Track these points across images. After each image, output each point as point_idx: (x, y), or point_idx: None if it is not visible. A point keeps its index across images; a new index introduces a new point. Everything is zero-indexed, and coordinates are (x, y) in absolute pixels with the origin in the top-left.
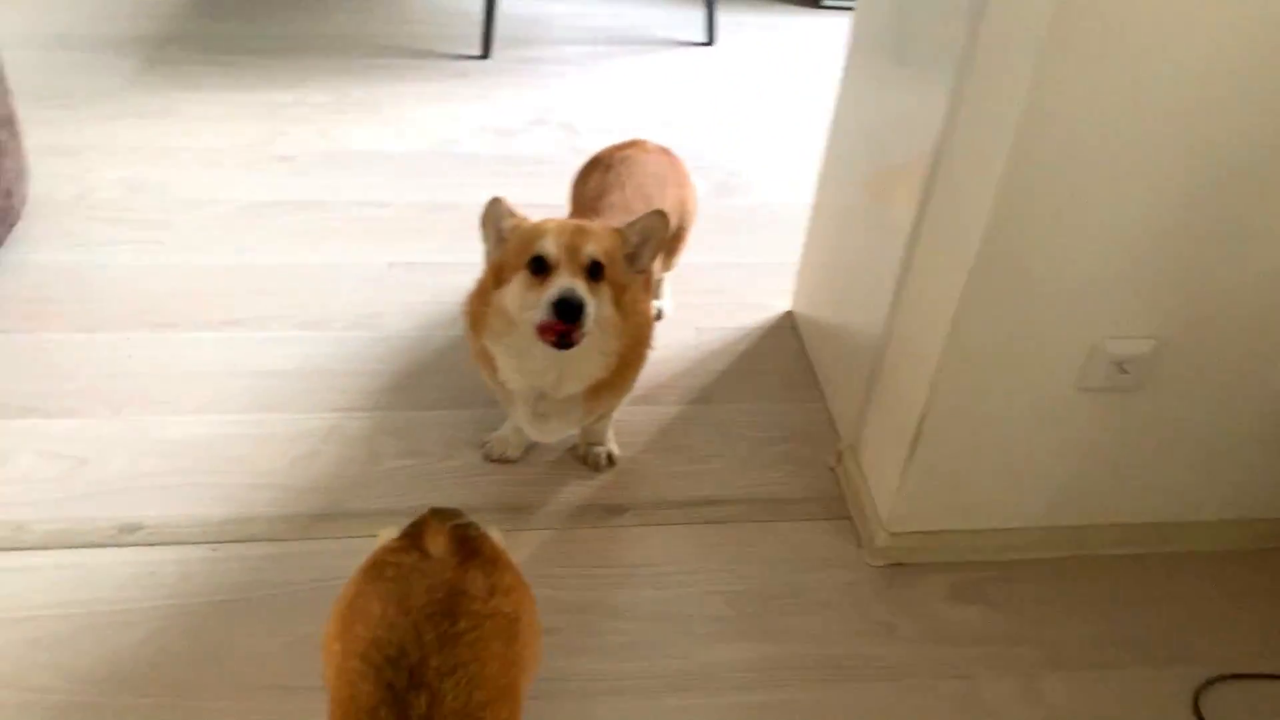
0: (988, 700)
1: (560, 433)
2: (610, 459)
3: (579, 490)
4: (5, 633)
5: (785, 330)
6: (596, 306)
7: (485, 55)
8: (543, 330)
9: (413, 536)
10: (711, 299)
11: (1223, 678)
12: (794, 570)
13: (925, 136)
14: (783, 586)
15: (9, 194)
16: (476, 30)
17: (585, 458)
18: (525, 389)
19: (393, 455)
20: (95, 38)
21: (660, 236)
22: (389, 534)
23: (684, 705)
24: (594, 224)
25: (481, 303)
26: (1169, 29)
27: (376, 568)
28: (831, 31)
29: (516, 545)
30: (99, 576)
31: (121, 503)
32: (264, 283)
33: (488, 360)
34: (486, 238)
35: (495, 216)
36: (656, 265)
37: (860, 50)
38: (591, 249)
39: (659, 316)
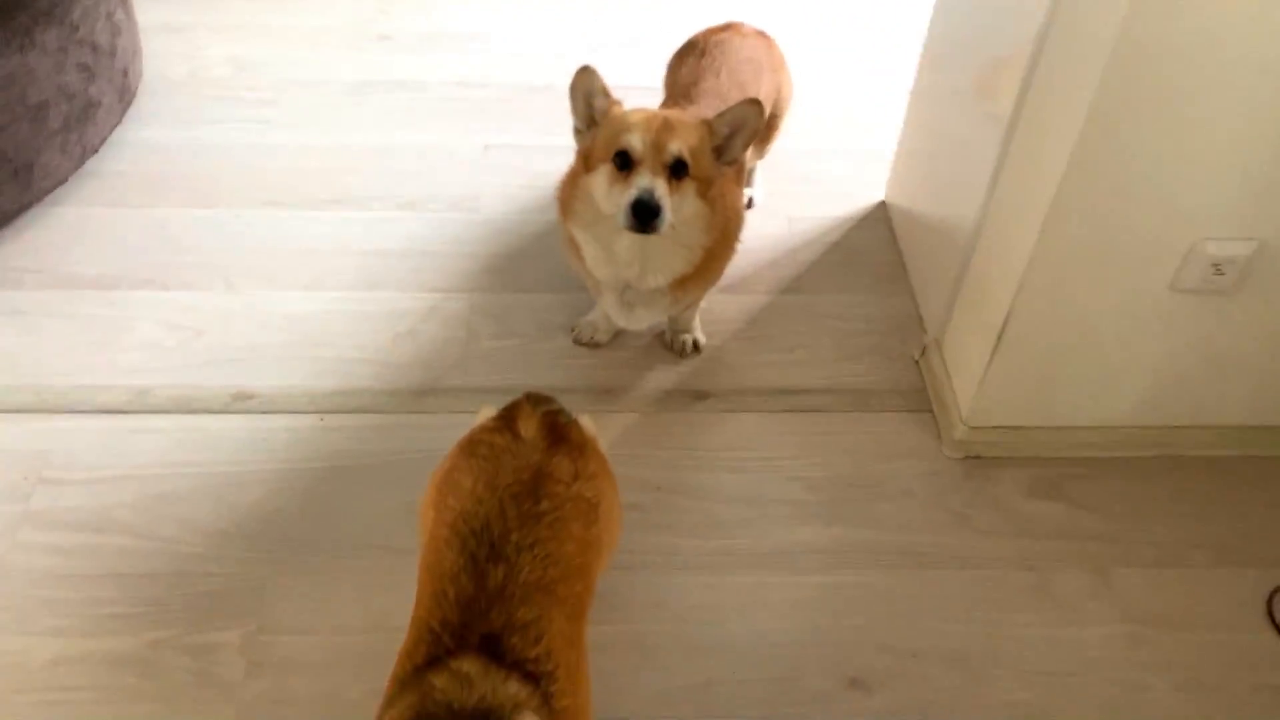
0: (1058, 592)
1: (647, 321)
2: (696, 346)
3: (665, 375)
4: (135, 487)
5: (878, 221)
6: (680, 203)
7: None
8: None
9: (507, 419)
10: (805, 188)
11: None
12: (873, 460)
13: (1028, 24)
14: (861, 475)
15: (125, 72)
16: None
17: (672, 344)
18: (611, 278)
19: (489, 336)
20: None
21: (753, 127)
22: (487, 413)
23: (759, 583)
24: (681, 116)
25: (571, 188)
26: None
27: (471, 445)
28: None
29: (603, 426)
30: (217, 440)
31: (236, 372)
32: (366, 163)
33: (576, 248)
34: (575, 110)
35: (585, 88)
36: (749, 153)
37: None
38: (676, 146)
39: (750, 205)
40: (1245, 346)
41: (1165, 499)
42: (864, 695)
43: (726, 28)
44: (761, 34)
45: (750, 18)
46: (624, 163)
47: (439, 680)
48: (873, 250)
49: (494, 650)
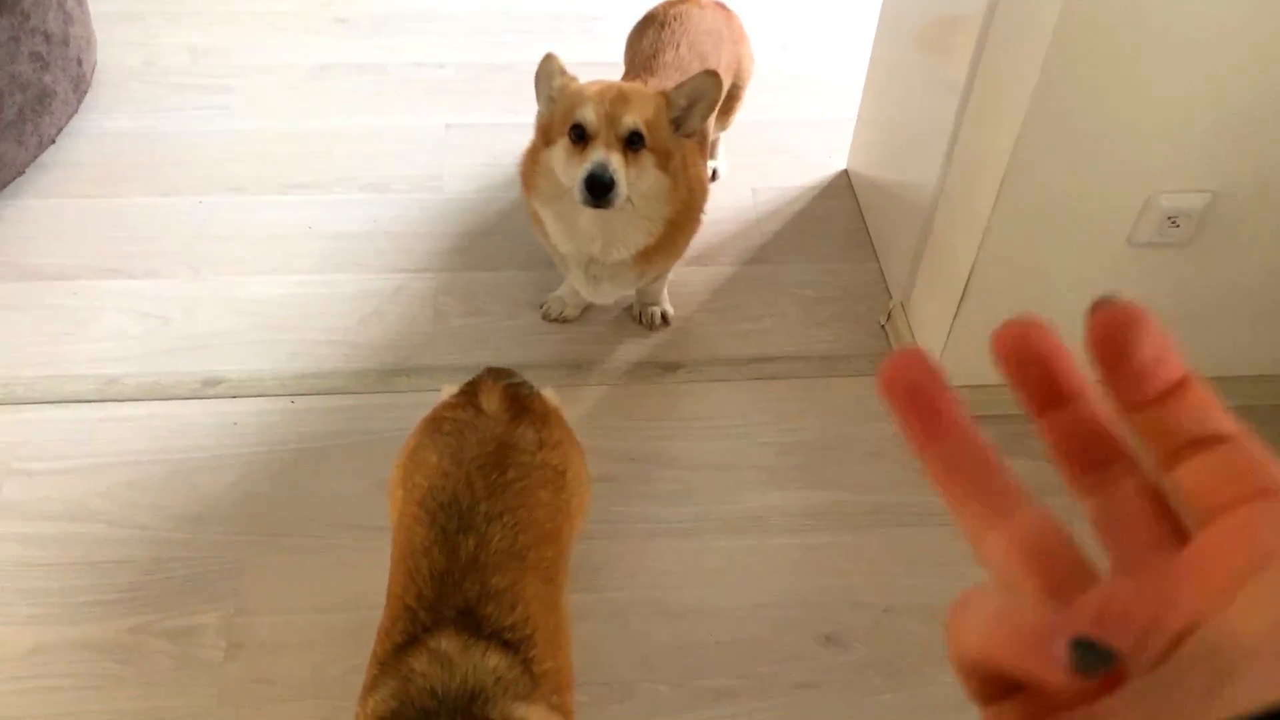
0: None
1: (614, 294)
2: (665, 318)
3: (635, 348)
4: (107, 475)
5: (841, 189)
6: (638, 176)
7: None
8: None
9: (469, 394)
10: (768, 158)
11: None
12: (843, 423)
13: None
14: (832, 438)
15: (79, 61)
16: None
17: (640, 317)
18: (575, 253)
19: (456, 314)
20: None
21: (711, 98)
22: (449, 390)
23: (735, 546)
24: (637, 88)
25: (532, 162)
26: None
27: (435, 422)
28: None
29: (574, 400)
30: (187, 426)
31: (204, 358)
32: (327, 146)
33: (541, 223)
34: (540, 96)
35: (548, 74)
36: (712, 125)
37: None
38: (631, 119)
39: (714, 177)
40: (1205, 299)
41: None
42: (839, 651)
43: (685, 0)
44: (721, 5)
45: None
46: (579, 135)
47: (418, 664)
48: (837, 218)
49: (471, 623)
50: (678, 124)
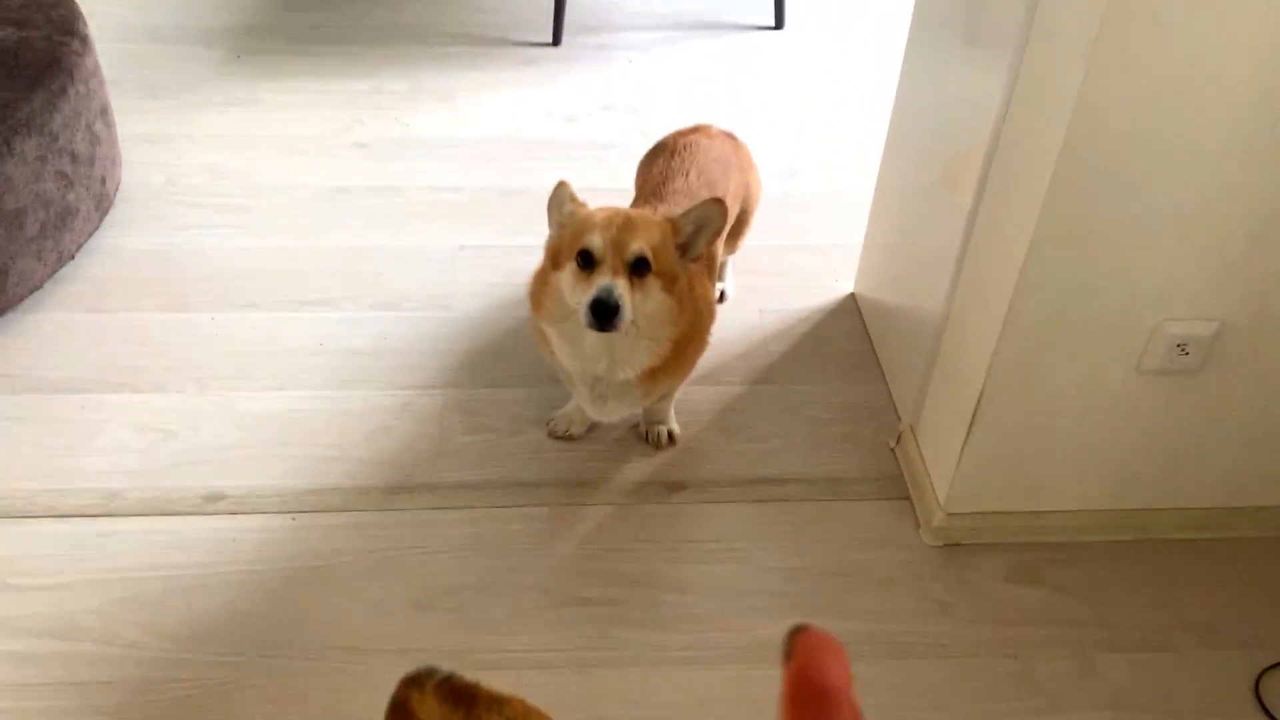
0: (1043, 680)
1: (620, 413)
2: (671, 437)
3: (641, 467)
4: (100, 593)
5: (848, 312)
6: (643, 300)
7: (556, 43)
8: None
9: (402, 715)
10: (775, 280)
11: None
12: (852, 549)
13: (984, 118)
14: (840, 564)
15: (103, 180)
16: (547, 18)
17: (647, 435)
18: (581, 371)
19: (462, 431)
20: (185, 30)
21: (715, 225)
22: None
23: (740, 676)
24: (644, 215)
25: (541, 284)
26: (1222, 12)
27: None
28: (903, 12)
29: (578, 519)
30: (185, 542)
31: (206, 473)
32: (341, 264)
33: (547, 342)
34: (551, 221)
35: (559, 200)
36: (721, 248)
37: (921, 31)
38: (637, 245)
39: (722, 298)
40: (1213, 428)
41: (1145, 583)
42: None
43: (695, 130)
44: (729, 135)
45: (719, 120)
46: (586, 261)
47: None
48: (844, 340)
49: None
50: (684, 249)
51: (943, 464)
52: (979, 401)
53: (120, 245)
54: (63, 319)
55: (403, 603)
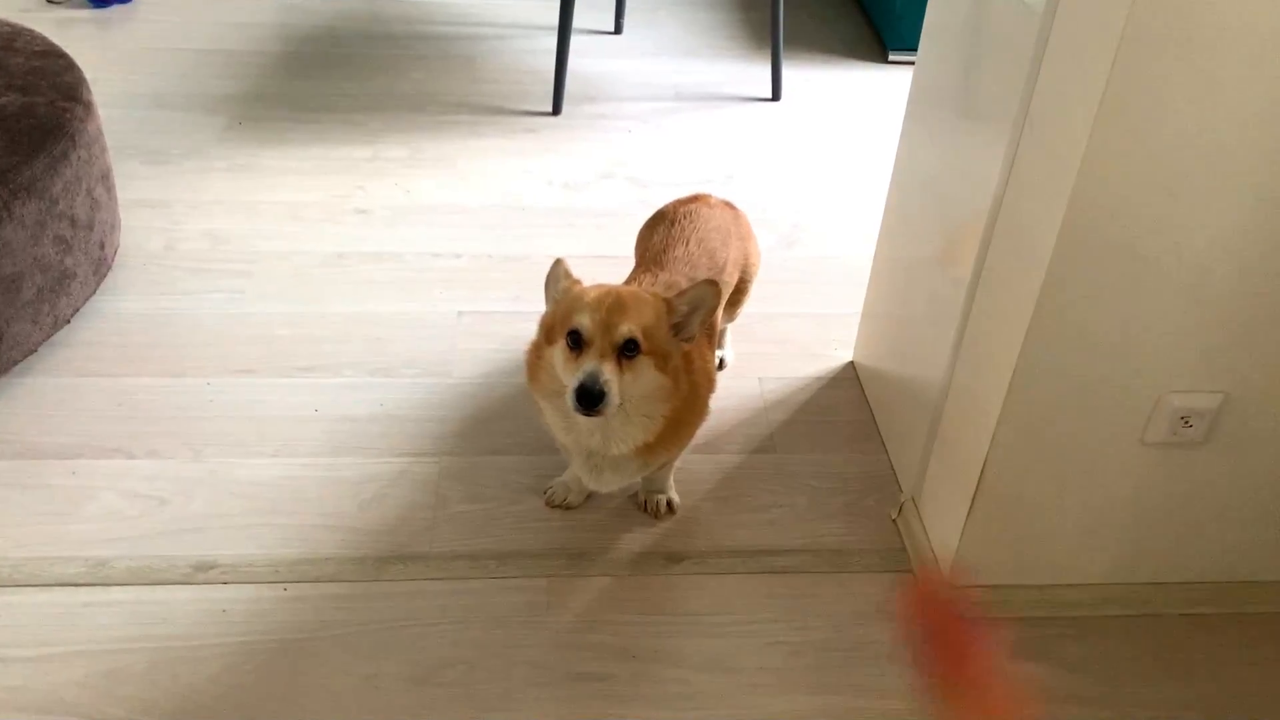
0: None
1: (617, 483)
2: (670, 507)
3: (639, 537)
4: (85, 664)
5: (847, 381)
6: (634, 380)
7: (556, 112)
8: None
9: None
10: (774, 349)
11: None
12: (855, 623)
13: (984, 189)
14: (843, 639)
15: (102, 245)
16: (547, 88)
17: (646, 505)
18: (576, 445)
19: (458, 500)
20: (188, 97)
21: (710, 306)
22: None
23: None
24: (636, 294)
25: (536, 357)
26: (1223, 88)
27: None
28: (899, 86)
29: (574, 591)
30: (174, 613)
31: (198, 542)
32: (339, 330)
33: (543, 410)
34: (548, 297)
35: (555, 277)
36: (720, 317)
37: (920, 104)
38: (626, 328)
39: (721, 366)
40: (1218, 501)
41: (1151, 658)
42: None
43: (695, 199)
44: (728, 204)
45: (718, 190)
46: (576, 342)
47: None
48: (844, 409)
49: None
50: (678, 328)
51: (945, 536)
52: (982, 473)
53: (116, 309)
54: (57, 383)
55: (397, 677)
